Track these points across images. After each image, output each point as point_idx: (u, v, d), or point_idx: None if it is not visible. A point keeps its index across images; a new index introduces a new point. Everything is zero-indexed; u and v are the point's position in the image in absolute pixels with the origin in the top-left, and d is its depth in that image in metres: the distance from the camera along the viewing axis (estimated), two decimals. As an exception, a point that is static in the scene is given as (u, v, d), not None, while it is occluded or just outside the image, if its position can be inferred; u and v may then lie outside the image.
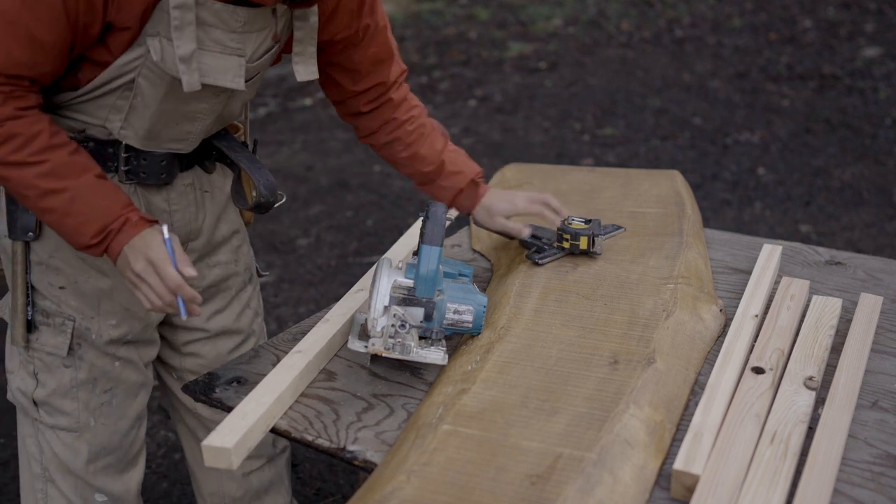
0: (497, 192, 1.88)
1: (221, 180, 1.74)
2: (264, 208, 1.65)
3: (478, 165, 1.88)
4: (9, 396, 1.73)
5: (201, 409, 1.82)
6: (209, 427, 1.82)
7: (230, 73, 1.47)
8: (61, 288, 1.62)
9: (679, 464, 1.29)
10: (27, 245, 1.59)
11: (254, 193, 1.65)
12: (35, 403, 1.67)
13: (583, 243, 1.82)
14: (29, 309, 1.62)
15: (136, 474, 1.79)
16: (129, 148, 1.56)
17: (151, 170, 1.58)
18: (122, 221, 1.47)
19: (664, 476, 1.33)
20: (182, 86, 1.43)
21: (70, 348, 1.64)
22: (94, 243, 1.47)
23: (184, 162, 1.64)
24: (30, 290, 1.61)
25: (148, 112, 1.51)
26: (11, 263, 1.60)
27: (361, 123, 1.82)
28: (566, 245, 1.83)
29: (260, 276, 1.92)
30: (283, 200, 1.72)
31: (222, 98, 1.56)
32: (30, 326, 1.63)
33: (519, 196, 1.87)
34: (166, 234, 1.47)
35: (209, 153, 1.68)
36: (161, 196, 1.63)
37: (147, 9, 1.39)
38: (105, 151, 1.56)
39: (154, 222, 1.51)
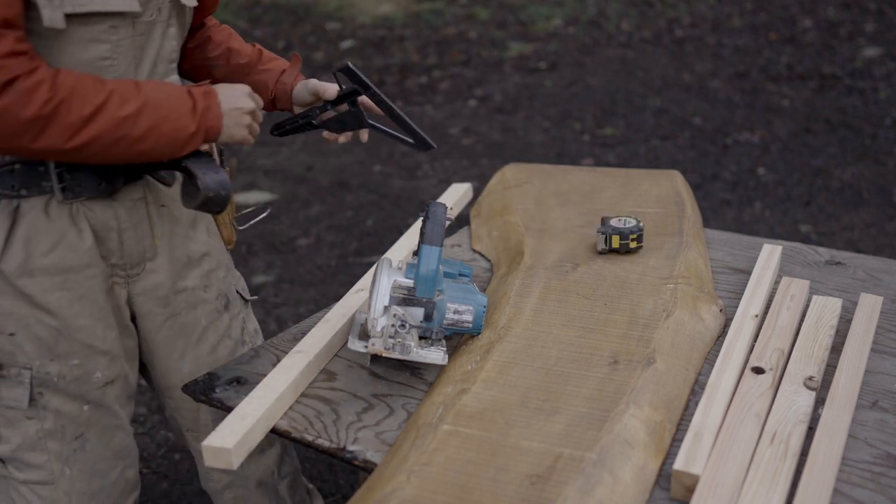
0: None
1: None
2: (214, 205, 1.49)
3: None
4: None
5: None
6: None
7: None
8: (11, 335, 1.49)
9: (679, 464, 1.29)
10: None
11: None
12: (2, 461, 1.57)
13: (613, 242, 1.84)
14: None
15: None
16: (59, 162, 1.44)
17: (88, 180, 1.47)
18: (201, 93, 1.44)
19: (664, 476, 1.33)
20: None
21: (31, 398, 1.52)
22: (194, 128, 1.42)
23: (129, 172, 1.53)
24: None
25: None
26: None
27: None
28: (616, 244, 1.83)
29: (245, 300, 1.82)
30: (266, 213, 1.64)
31: (125, 32, 1.42)
32: None
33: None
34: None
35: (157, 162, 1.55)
36: (109, 213, 1.53)
37: None
38: (35, 171, 1.44)
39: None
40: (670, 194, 2.13)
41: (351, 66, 1.62)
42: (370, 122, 1.75)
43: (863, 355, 1.55)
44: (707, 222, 3.77)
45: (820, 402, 1.45)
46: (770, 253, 1.88)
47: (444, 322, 1.58)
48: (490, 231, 2.11)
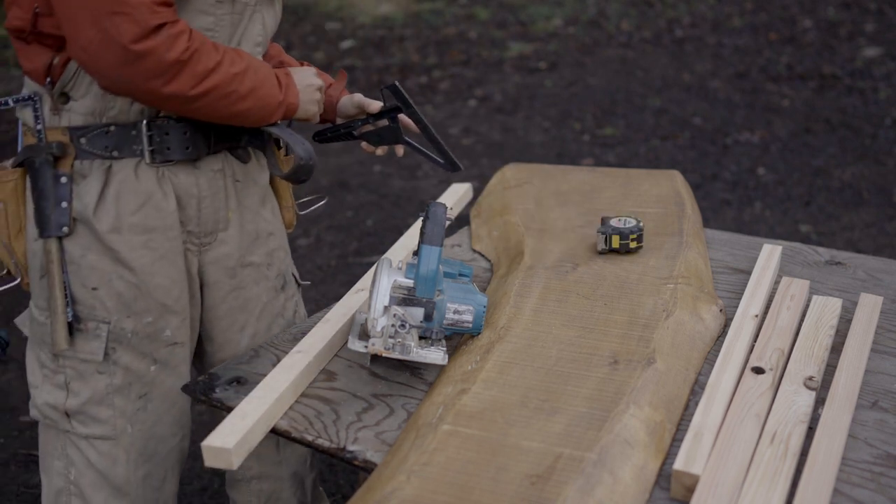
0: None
1: (256, 172, 1.73)
2: (304, 173, 1.60)
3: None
4: (33, 414, 1.65)
5: None
6: None
7: None
8: (94, 289, 1.57)
9: (679, 464, 1.29)
10: (61, 244, 1.56)
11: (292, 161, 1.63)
12: (67, 415, 1.61)
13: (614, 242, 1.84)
14: (69, 310, 1.56)
15: (171, 486, 1.74)
16: (150, 125, 1.54)
17: (176, 143, 1.57)
18: (283, 72, 1.59)
19: (664, 476, 1.33)
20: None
21: (105, 353, 1.59)
22: (282, 98, 1.57)
23: (210, 141, 1.61)
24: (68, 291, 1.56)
25: None
26: (46, 263, 1.55)
27: None
28: (616, 244, 1.84)
29: (299, 284, 1.91)
30: (325, 202, 1.70)
31: (226, 8, 1.54)
32: (70, 329, 1.56)
33: None
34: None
35: (239, 136, 1.65)
36: (191, 180, 1.61)
37: None
38: (128, 135, 1.54)
39: None
40: (670, 194, 2.13)
41: (397, 84, 1.74)
42: (405, 138, 1.85)
43: (863, 355, 1.55)
44: (707, 222, 3.77)
45: (820, 402, 1.45)
46: (770, 253, 1.88)
47: (444, 322, 1.58)
48: (490, 231, 2.11)
